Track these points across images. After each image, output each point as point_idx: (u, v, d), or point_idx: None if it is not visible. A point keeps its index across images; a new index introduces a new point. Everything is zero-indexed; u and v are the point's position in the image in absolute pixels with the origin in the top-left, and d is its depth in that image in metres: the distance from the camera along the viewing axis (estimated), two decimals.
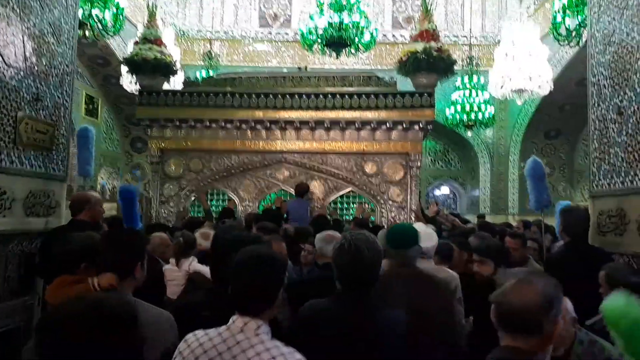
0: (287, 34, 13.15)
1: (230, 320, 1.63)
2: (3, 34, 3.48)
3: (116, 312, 1.24)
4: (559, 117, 12.04)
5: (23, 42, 3.69)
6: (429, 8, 6.70)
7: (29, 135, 3.71)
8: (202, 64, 11.92)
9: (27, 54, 3.73)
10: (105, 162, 12.45)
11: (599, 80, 4.23)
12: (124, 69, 8.32)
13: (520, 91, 9.10)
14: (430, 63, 6.36)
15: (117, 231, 2.44)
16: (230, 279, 1.67)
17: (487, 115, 10.84)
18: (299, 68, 8.01)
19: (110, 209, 9.36)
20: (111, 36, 6.28)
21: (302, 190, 6.42)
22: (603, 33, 4.19)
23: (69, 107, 4.27)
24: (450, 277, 3.02)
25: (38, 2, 3.86)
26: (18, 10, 3.63)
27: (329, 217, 6.01)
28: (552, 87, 9.00)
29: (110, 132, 12.63)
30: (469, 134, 12.42)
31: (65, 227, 3.72)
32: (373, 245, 2.00)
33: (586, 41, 5.20)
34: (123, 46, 10.15)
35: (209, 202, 6.74)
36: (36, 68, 3.84)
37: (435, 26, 6.69)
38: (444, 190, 15.41)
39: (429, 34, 6.53)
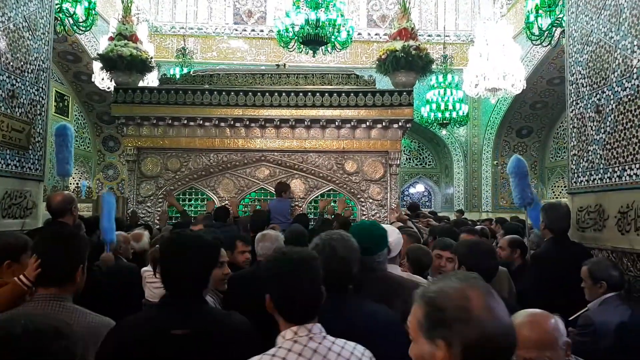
0: (262, 30, 13.06)
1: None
2: None
3: (31, 328, 1.13)
4: (530, 116, 12.33)
5: None
6: (407, 6, 6.73)
7: (5, 134, 3.58)
8: (176, 60, 11.72)
9: (2, 49, 3.60)
10: (76, 161, 12.13)
11: (576, 79, 4.34)
12: (96, 65, 8.11)
13: (494, 90, 9.28)
14: (409, 61, 6.39)
15: (55, 232, 2.26)
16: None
17: (461, 113, 11.02)
18: (277, 65, 7.93)
19: (83, 209, 9.12)
20: (83, 32, 6.11)
21: (282, 189, 6.40)
22: (581, 33, 4.29)
23: (45, 104, 4.15)
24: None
25: None
26: None
27: (328, 216, 6.01)
28: (525, 86, 9.20)
29: (82, 130, 12.30)
30: (443, 132, 12.61)
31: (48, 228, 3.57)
32: (348, 244, 1.98)
33: (558, 40, 5.34)
34: (94, 42, 9.90)
35: (185, 201, 6.65)
36: (11, 64, 3.71)
37: (414, 25, 6.73)
38: (419, 188, 15.58)
39: (408, 33, 6.56)
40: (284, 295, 1.60)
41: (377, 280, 2.22)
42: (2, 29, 3.60)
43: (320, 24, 8.12)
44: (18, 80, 3.79)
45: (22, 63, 3.84)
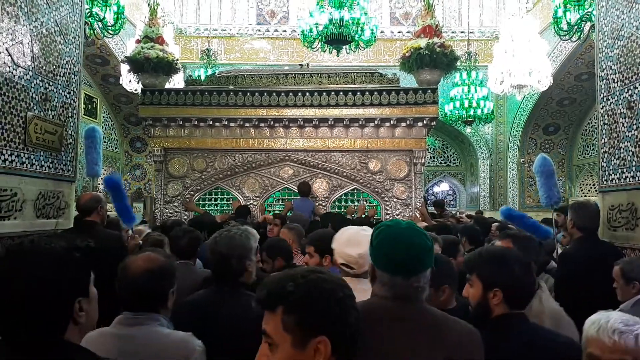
0: (284, 31, 13.12)
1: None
2: (12, 33, 3.44)
3: None
4: (557, 112, 12.10)
5: (31, 42, 3.66)
6: (431, 3, 6.67)
7: (39, 136, 3.69)
8: (200, 62, 11.87)
9: (35, 54, 3.70)
10: (104, 162, 12.38)
11: (607, 74, 4.25)
12: (124, 67, 8.27)
13: (519, 87, 9.13)
14: (434, 59, 6.33)
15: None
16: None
17: (485, 111, 10.87)
18: (301, 65, 7.96)
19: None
20: (112, 35, 6.24)
21: (306, 190, 6.42)
22: (611, 27, 4.20)
23: (76, 107, 4.25)
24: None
25: (44, 0, 3.83)
26: (26, 9, 3.59)
27: (349, 216, 6.02)
28: (552, 82, 9.04)
29: (109, 132, 12.56)
30: (468, 130, 12.47)
31: (75, 228, 3.67)
32: (232, 241, 2.19)
33: (587, 35, 5.23)
34: (121, 45, 10.09)
35: (211, 201, 6.75)
36: (44, 68, 3.81)
37: (438, 22, 6.68)
38: (443, 187, 15.44)
39: (432, 30, 6.51)
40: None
41: (410, 320, 1.44)
42: (35, 33, 3.70)
43: (344, 23, 8.11)
44: (51, 83, 3.89)
45: (54, 67, 3.95)
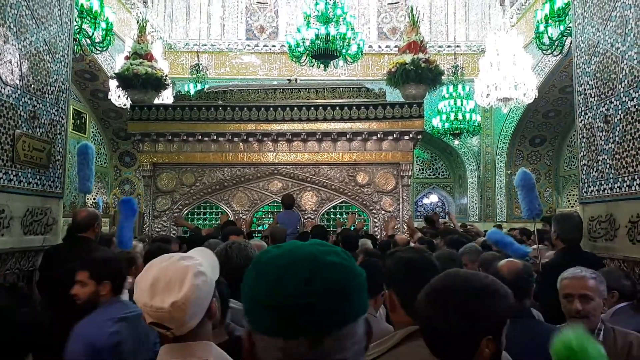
0: (274, 46, 13.25)
1: None
2: (0, 53, 3.49)
3: None
4: (543, 124, 12.29)
5: (19, 61, 3.71)
6: (416, 19, 6.81)
7: (27, 153, 3.72)
8: (190, 76, 11.95)
9: (24, 72, 3.75)
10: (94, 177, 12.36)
11: (585, 89, 4.37)
12: (112, 83, 8.32)
13: (505, 99, 9.30)
14: (419, 74, 6.46)
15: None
16: None
17: (473, 123, 11.03)
18: (289, 80, 8.08)
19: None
20: (100, 52, 6.30)
21: (290, 202, 6.45)
22: (588, 44, 4.33)
23: (64, 123, 4.29)
24: None
25: (34, 20, 3.89)
26: (15, 29, 3.65)
27: (338, 229, 6.06)
28: (537, 94, 9.21)
29: (99, 146, 12.54)
30: (456, 142, 12.61)
31: (70, 243, 3.63)
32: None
33: (569, 50, 5.37)
34: (110, 60, 10.15)
35: (200, 215, 6.78)
36: (33, 86, 3.86)
37: (423, 37, 6.81)
38: (433, 198, 15.55)
39: (417, 45, 6.64)
40: None
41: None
42: (24, 52, 3.75)
43: (331, 38, 8.25)
44: (39, 101, 3.94)
45: (42, 85, 3.99)
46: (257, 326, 0.81)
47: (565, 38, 5.58)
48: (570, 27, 5.19)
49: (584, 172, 4.35)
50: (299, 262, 0.80)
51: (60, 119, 4.23)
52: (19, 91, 3.68)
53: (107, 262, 2.31)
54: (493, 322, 1.21)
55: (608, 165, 3.98)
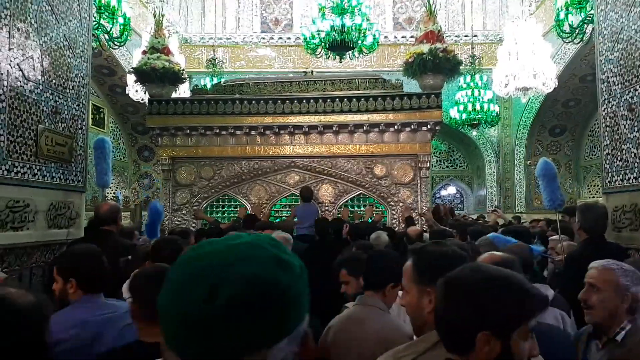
0: (289, 38, 13.22)
1: None
2: (22, 49, 3.54)
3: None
4: (563, 114, 12.09)
5: (41, 56, 3.75)
6: (433, 9, 6.73)
7: (49, 148, 3.78)
8: (206, 70, 11.99)
9: (45, 68, 3.80)
10: (113, 171, 12.49)
11: (608, 77, 4.28)
12: (130, 78, 8.39)
13: (524, 89, 9.15)
14: (437, 64, 6.39)
15: None
16: None
17: (491, 114, 10.89)
18: (305, 72, 8.05)
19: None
20: (118, 47, 6.35)
21: (308, 194, 6.43)
22: (611, 30, 4.24)
23: (85, 118, 4.34)
24: None
25: (54, 16, 3.93)
26: (35, 25, 3.69)
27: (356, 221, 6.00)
28: (557, 84, 9.05)
29: (117, 141, 12.70)
30: (474, 133, 12.48)
31: (93, 236, 3.67)
32: None
33: (590, 37, 5.26)
34: (128, 55, 10.23)
35: (218, 208, 6.84)
36: (54, 81, 3.91)
37: (440, 27, 6.73)
38: (450, 190, 15.44)
39: (434, 35, 6.57)
40: None
41: None
42: (45, 48, 3.80)
43: (346, 29, 8.18)
44: (60, 96, 3.99)
45: (63, 80, 4.04)
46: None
47: (586, 25, 5.46)
48: (591, 14, 5.08)
49: (607, 161, 4.27)
50: (206, 268, 0.68)
51: (81, 113, 4.28)
52: (40, 87, 3.73)
53: (75, 258, 2.11)
54: (499, 317, 1.09)
55: (632, 155, 3.90)
